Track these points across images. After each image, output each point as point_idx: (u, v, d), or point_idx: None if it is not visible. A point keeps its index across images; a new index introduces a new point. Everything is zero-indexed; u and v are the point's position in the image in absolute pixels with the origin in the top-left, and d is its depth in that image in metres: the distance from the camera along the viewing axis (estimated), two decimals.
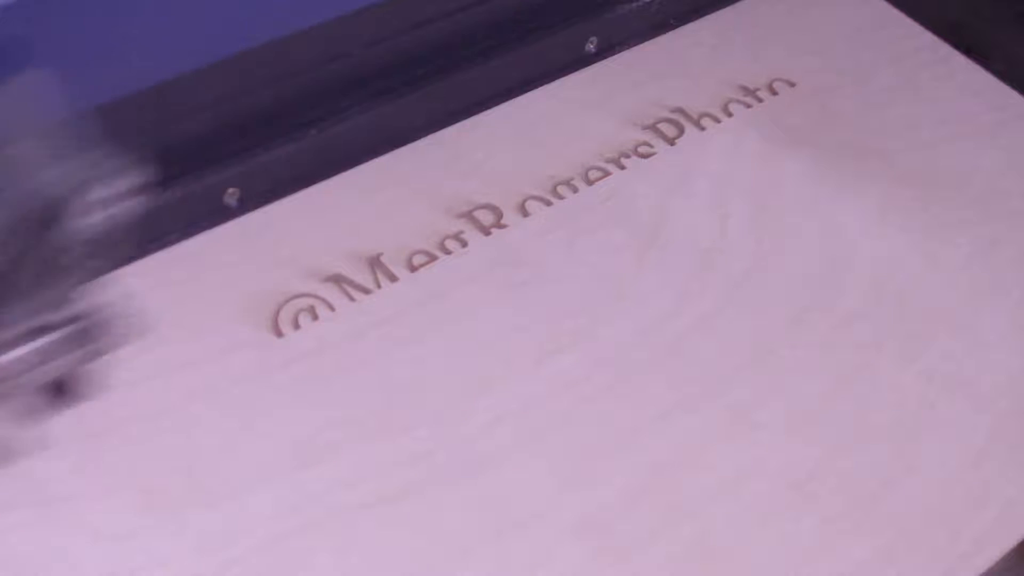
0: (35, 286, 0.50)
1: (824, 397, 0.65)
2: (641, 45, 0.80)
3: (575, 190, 0.72)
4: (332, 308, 0.64)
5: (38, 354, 0.51)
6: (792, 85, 0.80)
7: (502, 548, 0.57)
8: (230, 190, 0.66)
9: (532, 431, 0.61)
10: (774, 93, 0.79)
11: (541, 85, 0.76)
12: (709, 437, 0.62)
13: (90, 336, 0.52)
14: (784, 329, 0.67)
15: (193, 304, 0.63)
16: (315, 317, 0.63)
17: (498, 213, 0.70)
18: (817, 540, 0.59)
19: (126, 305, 0.52)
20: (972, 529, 0.61)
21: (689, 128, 0.76)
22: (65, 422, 0.57)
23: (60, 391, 0.54)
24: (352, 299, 0.64)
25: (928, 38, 0.85)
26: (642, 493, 0.59)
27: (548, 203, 0.71)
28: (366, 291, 0.65)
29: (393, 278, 0.66)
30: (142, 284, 0.63)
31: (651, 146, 0.75)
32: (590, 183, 0.72)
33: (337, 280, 0.65)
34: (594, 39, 0.78)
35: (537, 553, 0.57)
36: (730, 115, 0.77)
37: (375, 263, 0.66)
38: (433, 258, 0.67)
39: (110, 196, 0.50)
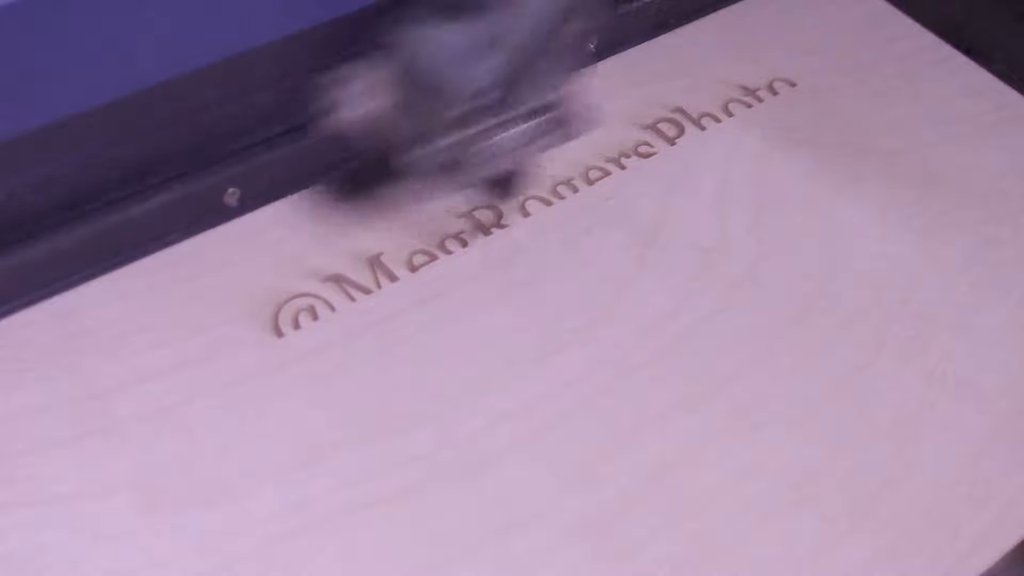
0: (542, 76, 0.59)
1: (824, 397, 0.65)
2: (641, 45, 0.80)
3: (575, 190, 0.72)
4: (332, 308, 0.64)
5: (527, 135, 0.60)
6: (792, 85, 0.80)
7: (502, 548, 0.57)
8: (230, 190, 0.66)
9: (532, 431, 0.61)
10: (774, 93, 0.79)
11: None
12: (709, 437, 0.62)
13: (563, 123, 0.61)
14: (784, 329, 0.67)
15: (193, 304, 0.63)
16: (315, 317, 0.63)
17: (498, 213, 0.70)
18: (817, 540, 0.59)
19: (584, 100, 0.60)
20: (972, 529, 0.61)
21: (689, 128, 0.76)
22: (64, 422, 0.57)
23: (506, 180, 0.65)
24: (352, 299, 0.64)
25: (928, 38, 0.85)
26: (642, 493, 0.59)
27: (548, 203, 0.71)
28: (366, 291, 0.65)
29: (393, 278, 0.66)
30: (142, 284, 0.63)
31: (651, 146, 0.75)
32: (590, 183, 0.72)
33: (337, 280, 0.65)
34: (594, 39, 0.78)
35: (537, 553, 0.57)
36: (730, 115, 0.77)
37: (375, 263, 0.66)
38: (433, 258, 0.67)
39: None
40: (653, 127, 0.76)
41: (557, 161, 0.73)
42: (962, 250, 0.73)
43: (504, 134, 0.60)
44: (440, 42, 0.57)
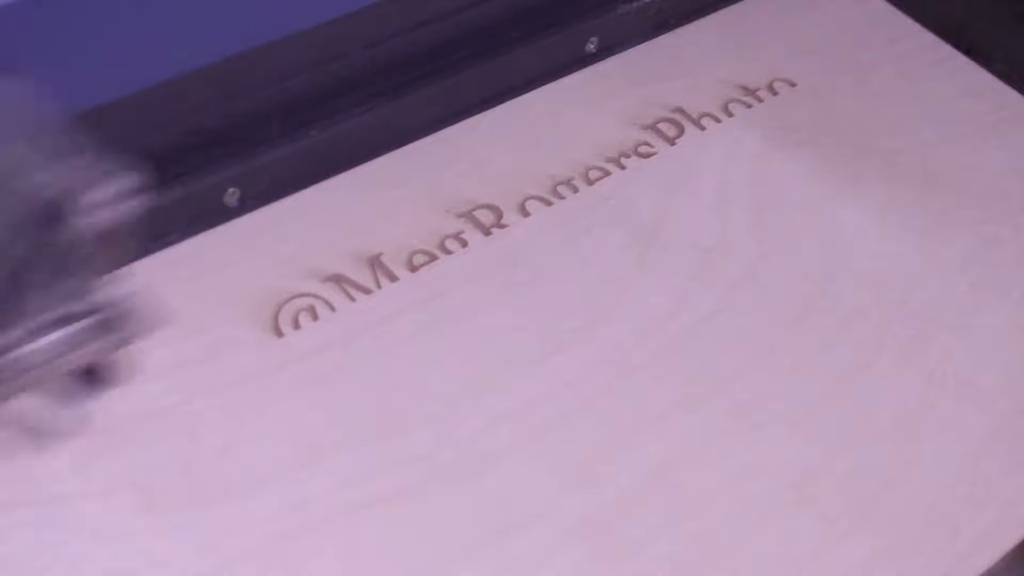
0: (53, 279, 0.51)
1: (824, 397, 0.65)
2: (641, 45, 0.80)
3: (575, 190, 0.72)
4: (332, 308, 0.64)
5: (63, 343, 0.53)
6: (792, 85, 0.80)
7: (502, 548, 0.57)
8: (230, 190, 0.66)
9: (532, 431, 0.61)
10: (774, 93, 0.79)
11: (541, 85, 0.76)
12: (709, 437, 0.62)
13: (113, 326, 0.53)
14: (784, 329, 0.67)
15: (193, 304, 0.63)
16: (315, 317, 0.63)
17: (498, 213, 0.70)
18: (817, 540, 0.59)
19: (143, 298, 0.53)
20: (972, 529, 0.61)
21: (689, 128, 0.76)
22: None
23: (92, 377, 0.56)
24: (352, 299, 0.64)
25: (928, 38, 0.85)
26: (642, 493, 0.59)
27: (548, 203, 0.71)
28: (366, 291, 0.65)
29: (393, 278, 0.66)
30: (142, 283, 0.63)
31: (651, 146, 0.75)
32: (590, 183, 0.72)
33: (337, 280, 0.65)
34: (594, 39, 0.78)
35: (537, 553, 0.57)
36: (730, 115, 0.77)
37: (375, 263, 0.66)
38: (433, 258, 0.67)
39: (107, 197, 0.51)
40: (653, 127, 0.76)
41: (557, 161, 0.73)
42: (962, 250, 0.73)
43: (30, 346, 0.53)
44: None
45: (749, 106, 0.78)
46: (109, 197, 0.51)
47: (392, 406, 0.61)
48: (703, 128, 0.77)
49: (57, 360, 0.53)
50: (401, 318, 0.64)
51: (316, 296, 0.64)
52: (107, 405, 0.58)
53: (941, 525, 0.60)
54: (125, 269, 0.54)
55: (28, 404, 0.55)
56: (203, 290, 0.63)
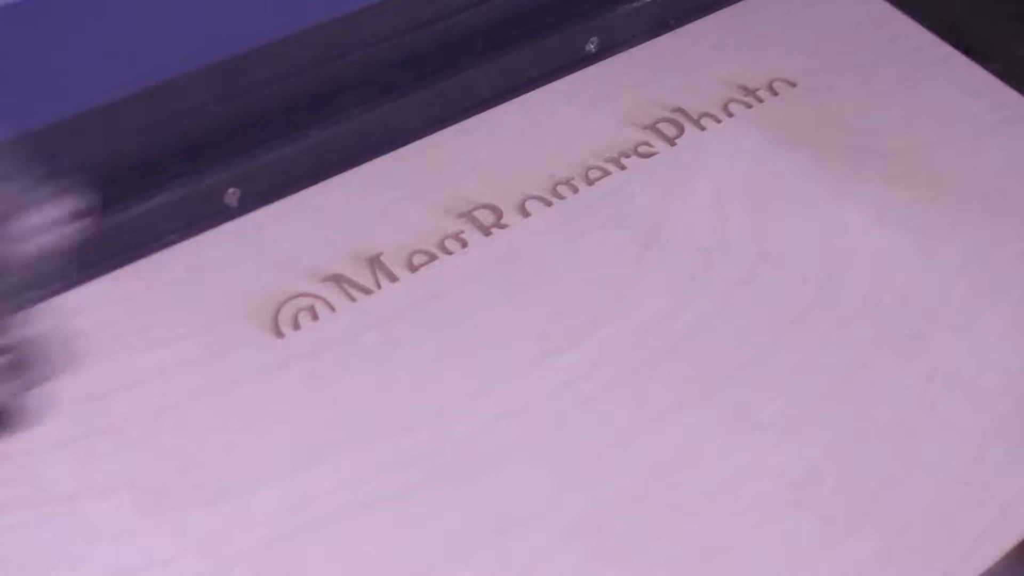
0: None
1: (824, 397, 0.65)
2: (641, 45, 0.80)
3: (575, 190, 0.72)
4: (332, 308, 0.64)
5: None
6: (792, 85, 0.80)
7: (502, 548, 0.57)
8: (230, 190, 0.66)
9: (532, 431, 0.61)
10: (774, 93, 0.79)
11: (541, 85, 0.76)
12: (709, 437, 0.62)
13: (25, 366, 0.52)
14: (784, 329, 0.67)
15: (193, 304, 0.63)
16: (315, 317, 0.63)
17: (498, 213, 0.70)
18: (817, 540, 0.59)
19: (58, 335, 0.52)
20: (972, 529, 0.61)
21: (689, 128, 0.76)
22: (63, 423, 0.57)
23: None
24: (352, 299, 0.64)
25: (928, 38, 0.85)
26: (642, 493, 0.59)
27: (548, 203, 0.71)
28: (366, 291, 0.65)
29: (393, 278, 0.66)
30: (142, 284, 0.63)
31: (651, 146, 0.75)
32: (590, 183, 0.72)
33: (337, 280, 0.65)
34: (594, 39, 0.78)
35: (537, 553, 0.57)
36: (730, 115, 0.77)
37: (375, 263, 0.66)
38: (433, 258, 0.67)
39: (44, 223, 0.50)
40: (653, 127, 0.76)
41: (557, 161, 0.73)
42: (962, 250, 0.73)
43: None
44: None
45: (749, 106, 0.78)
46: (46, 222, 0.50)
47: (392, 406, 0.61)
48: (703, 128, 0.77)
49: None
50: (401, 318, 0.64)
51: (316, 296, 0.64)
52: (107, 405, 0.58)
53: (941, 525, 0.60)
54: (45, 304, 0.53)
55: None
56: (203, 290, 0.63)
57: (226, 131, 0.66)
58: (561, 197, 0.71)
